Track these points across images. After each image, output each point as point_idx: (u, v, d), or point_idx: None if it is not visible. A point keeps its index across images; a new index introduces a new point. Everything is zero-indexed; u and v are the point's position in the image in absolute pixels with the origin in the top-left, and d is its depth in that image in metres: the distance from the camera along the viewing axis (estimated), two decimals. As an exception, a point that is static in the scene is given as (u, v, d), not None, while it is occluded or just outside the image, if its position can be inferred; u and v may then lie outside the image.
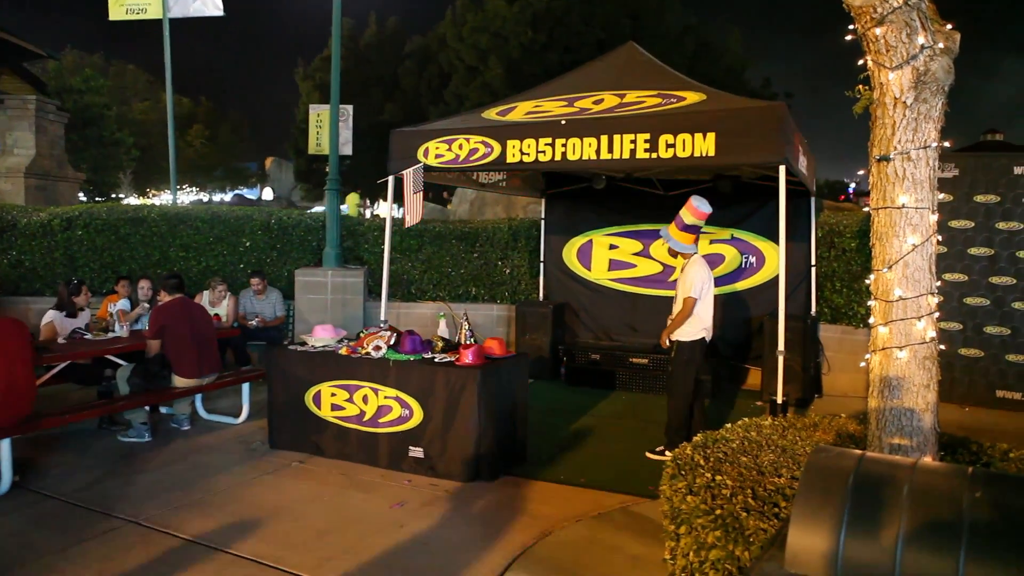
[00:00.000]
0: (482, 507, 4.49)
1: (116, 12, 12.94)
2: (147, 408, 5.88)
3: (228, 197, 35.54)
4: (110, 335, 6.21)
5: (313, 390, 5.36)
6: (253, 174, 41.59)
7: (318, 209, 16.45)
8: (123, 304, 6.81)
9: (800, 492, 1.96)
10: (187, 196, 37.95)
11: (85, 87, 17.85)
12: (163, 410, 6.46)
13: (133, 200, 28.34)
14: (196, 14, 12.80)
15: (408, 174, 6.25)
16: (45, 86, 18.68)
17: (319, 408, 5.35)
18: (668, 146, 5.56)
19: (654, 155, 5.60)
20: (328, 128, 12.93)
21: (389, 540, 4.01)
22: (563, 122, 5.89)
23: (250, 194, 37.48)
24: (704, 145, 5.45)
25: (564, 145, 5.89)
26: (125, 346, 5.93)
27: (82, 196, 16.23)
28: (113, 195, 19.64)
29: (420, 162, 6.35)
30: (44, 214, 9.23)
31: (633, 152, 5.66)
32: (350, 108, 14.20)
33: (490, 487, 4.81)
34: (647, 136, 5.61)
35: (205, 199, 37.43)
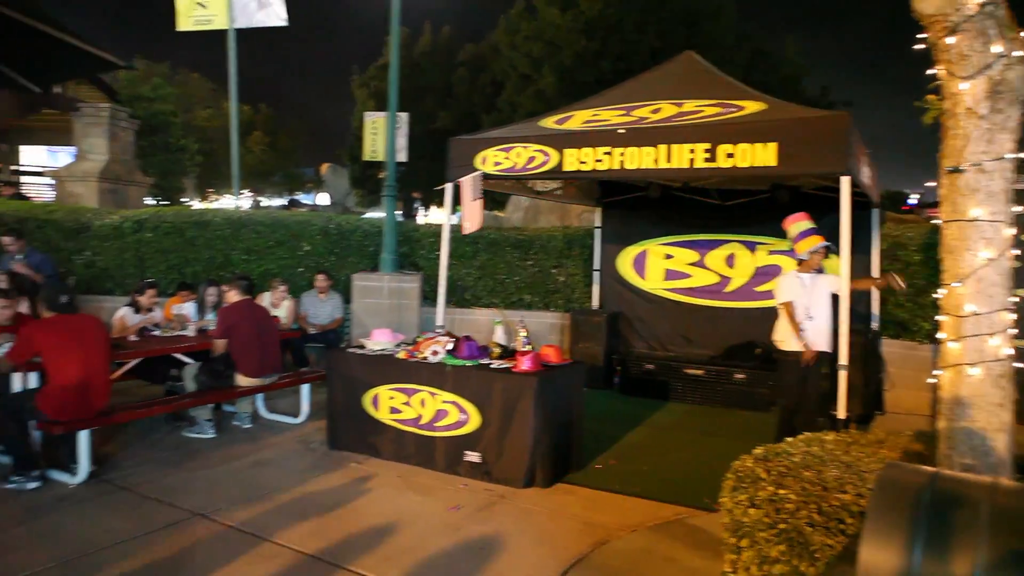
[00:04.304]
0: (537, 514, 4.51)
1: (184, 23, 13.39)
2: (211, 405, 6.08)
3: (283, 202, 36.27)
4: (177, 334, 6.45)
5: (371, 393, 5.47)
6: (309, 179, 42.57)
7: (372, 215, 16.71)
8: (188, 307, 7.07)
9: (872, 508, 1.94)
10: (246, 201, 38.91)
11: (154, 95, 18.54)
12: (226, 408, 6.67)
13: (197, 204, 29.25)
14: (260, 24, 13.15)
15: (466, 181, 6.33)
16: (116, 94, 19.46)
17: (377, 410, 5.45)
18: (728, 156, 5.52)
19: (713, 165, 5.57)
20: (383, 135, 13.15)
21: (446, 542, 4.07)
22: (621, 131, 5.89)
23: (305, 199, 38.26)
24: (765, 155, 5.40)
25: (622, 154, 5.90)
26: (193, 344, 6.14)
27: (150, 200, 16.83)
28: (180, 199, 20.31)
29: (478, 169, 6.42)
30: (116, 217, 9.61)
31: (692, 161, 5.64)
32: (405, 116, 14.41)
33: (545, 494, 4.84)
34: (707, 145, 5.58)
35: (263, 204, 38.35)
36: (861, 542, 1.89)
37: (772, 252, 7.90)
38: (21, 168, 20.87)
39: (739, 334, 8.00)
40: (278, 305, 7.84)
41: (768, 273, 7.83)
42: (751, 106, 6.01)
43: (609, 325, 8.27)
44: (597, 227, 8.99)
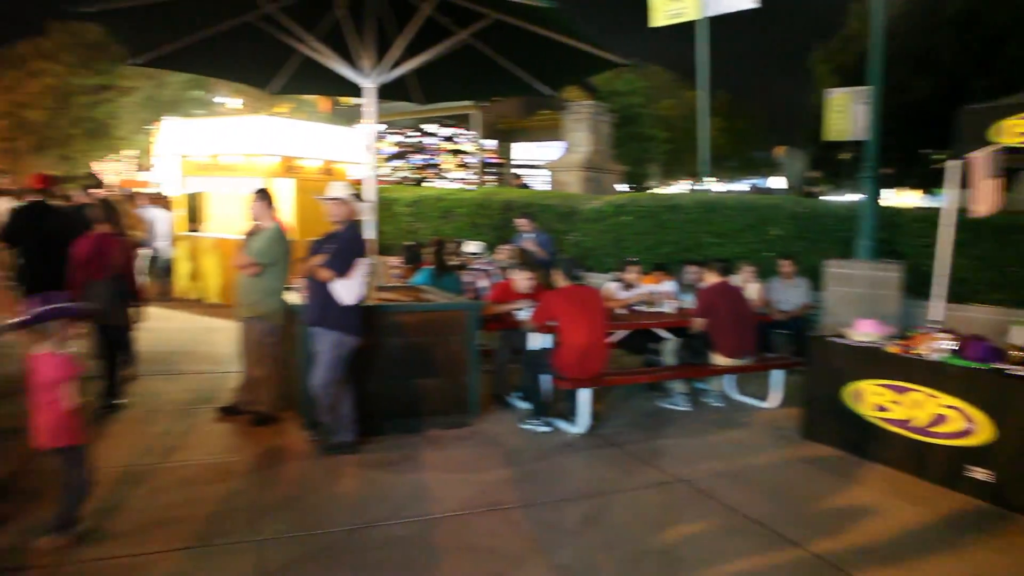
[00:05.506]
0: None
1: (658, 19, 14.17)
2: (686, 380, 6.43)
3: (744, 187, 36.08)
4: (657, 310, 6.95)
5: (853, 386, 5.16)
6: (763, 163, 41.85)
7: (829, 198, 15.69)
8: (667, 285, 7.56)
9: None
10: (690, 186, 40.07)
11: (628, 89, 20.15)
12: (696, 385, 6.97)
13: (663, 190, 31.02)
14: (729, 9, 13.22)
15: (980, 157, 5.51)
16: (596, 91, 21.66)
17: (859, 405, 5.13)
18: None
19: None
20: (847, 113, 12.19)
21: (952, 565, 3.65)
22: None
23: (759, 183, 37.62)
24: None
25: None
26: (672, 321, 6.55)
27: (622, 187, 18.37)
28: (650, 185, 21.81)
29: (995, 143, 5.53)
30: (597, 202, 10.74)
31: None
32: (872, 90, 13.08)
33: (1081, 534, 3.99)
34: None
35: (721, 189, 38.96)
36: None
37: None
38: (512, 162, 24.75)
39: None
40: (745, 288, 7.88)
41: None
42: None
43: None
44: None
